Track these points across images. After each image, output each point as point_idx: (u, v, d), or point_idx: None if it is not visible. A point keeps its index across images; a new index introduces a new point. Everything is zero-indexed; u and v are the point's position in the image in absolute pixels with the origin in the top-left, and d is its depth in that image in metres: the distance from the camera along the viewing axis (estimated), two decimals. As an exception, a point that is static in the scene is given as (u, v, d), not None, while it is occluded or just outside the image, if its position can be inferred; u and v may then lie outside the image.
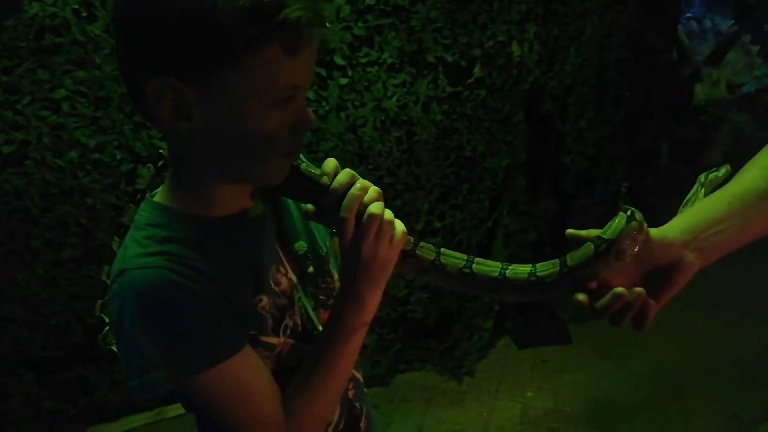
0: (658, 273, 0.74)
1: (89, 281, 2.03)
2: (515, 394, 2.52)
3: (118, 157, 2.00)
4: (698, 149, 4.32)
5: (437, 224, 2.55)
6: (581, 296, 0.73)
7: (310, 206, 0.74)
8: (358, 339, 0.77)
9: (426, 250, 0.79)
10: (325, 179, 0.73)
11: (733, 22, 5.79)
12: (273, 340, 0.75)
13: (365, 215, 0.71)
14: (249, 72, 0.63)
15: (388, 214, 0.73)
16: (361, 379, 0.92)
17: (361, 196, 0.72)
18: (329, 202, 0.72)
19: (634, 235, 0.72)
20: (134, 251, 0.69)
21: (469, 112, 2.42)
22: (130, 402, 2.19)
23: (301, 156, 0.85)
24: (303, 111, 0.69)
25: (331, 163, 0.75)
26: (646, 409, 2.45)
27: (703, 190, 0.81)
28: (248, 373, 0.71)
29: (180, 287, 0.66)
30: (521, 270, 0.76)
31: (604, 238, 0.72)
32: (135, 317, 0.66)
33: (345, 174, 0.73)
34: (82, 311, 2.08)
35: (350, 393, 0.88)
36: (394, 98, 2.28)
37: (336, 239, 0.86)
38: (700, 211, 0.78)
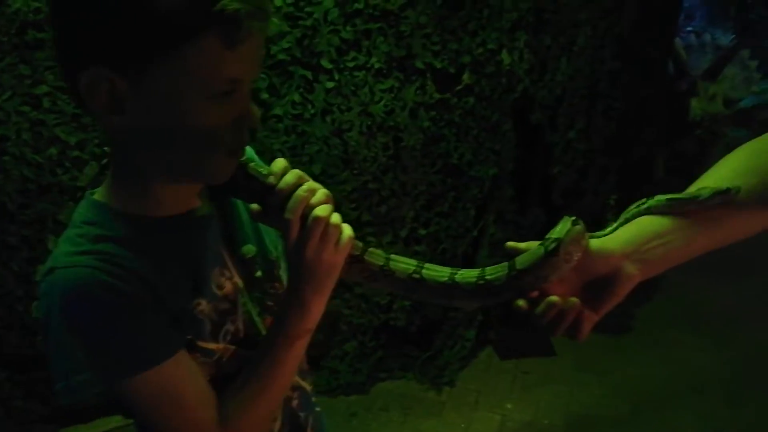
0: (597, 284, 0.73)
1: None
2: (495, 405, 2.50)
3: (98, 154, 1.99)
4: (694, 163, 4.31)
5: (422, 232, 2.53)
6: (521, 302, 0.72)
7: (255, 206, 0.73)
8: (300, 346, 0.76)
9: (375, 256, 0.77)
10: (272, 179, 0.71)
11: (733, 36, 5.79)
12: (211, 345, 0.74)
13: (310, 217, 0.70)
14: (185, 64, 0.61)
15: (336, 217, 0.72)
16: (308, 389, 0.90)
17: (308, 198, 0.70)
18: (274, 203, 0.71)
19: (579, 239, 0.72)
20: (65, 249, 0.67)
21: (457, 120, 2.41)
22: (104, 404, 2.17)
23: (254, 155, 0.83)
24: (245, 107, 0.68)
25: (279, 163, 0.73)
26: (627, 423, 2.43)
27: (638, 210, 0.79)
28: (181, 377, 0.70)
29: (109, 288, 0.64)
30: (470, 274, 0.75)
31: (552, 238, 0.71)
32: (61, 317, 0.65)
33: (292, 175, 0.72)
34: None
35: (294, 402, 0.86)
36: (381, 103, 2.27)
37: None
38: (644, 223, 0.77)
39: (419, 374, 2.65)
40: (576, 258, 0.72)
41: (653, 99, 3.10)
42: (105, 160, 0.78)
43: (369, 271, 0.77)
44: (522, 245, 0.74)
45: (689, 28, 5.73)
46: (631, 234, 0.76)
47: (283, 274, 0.85)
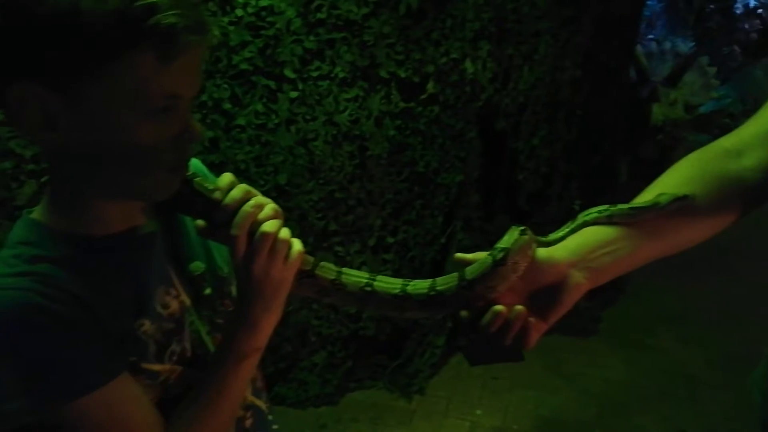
0: (546, 293, 0.75)
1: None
2: (464, 412, 2.50)
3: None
4: (657, 168, 4.41)
5: (390, 240, 2.53)
6: (465, 312, 0.73)
7: (200, 222, 0.72)
8: (250, 365, 0.75)
9: (326, 270, 0.77)
10: (218, 194, 0.70)
11: (692, 44, 5.96)
12: (156, 366, 0.72)
13: (257, 233, 0.69)
14: (118, 80, 0.60)
15: (284, 232, 0.71)
16: (264, 408, 0.89)
17: (255, 213, 0.70)
18: (221, 219, 0.70)
19: (526, 249, 0.73)
20: None
21: (423, 128, 2.42)
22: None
23: (202, 169, 0.82)
24: (186, 122, 0.67)
25: (226, 178, 0.72)
26: (595, 426, 2.46)
27: (573, 225, 0.81)
28: (124, 401, 0.68)
29: (44, 310, 0.62)
30: (422, 285, 0.76)
31: (500, 248, 0.73)
32: None
33: (239, 190, 0.71)
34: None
35: (247, 422, 0.84)
36: (346, 113, 2.27)
37: None
38: (591, 232, 0.78)
39: (389, 383, 2.65)
40: (523, 267, 0.73)
41: (615, 106, 3.16)
42: (44, 178, 0.76)
43: (320, 286, 0.77)
44: (470, 256, 0.75)
45: (650, 36, 5.88)
46: (578, 243, 0.77)
47: (235, 292, 0.84)
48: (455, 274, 0.74)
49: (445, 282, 0.75)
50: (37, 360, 0.63)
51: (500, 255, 0.72)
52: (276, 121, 2.19)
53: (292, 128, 2.22)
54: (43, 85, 0.60)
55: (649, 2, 6.06)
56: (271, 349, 2.49)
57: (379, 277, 0.77)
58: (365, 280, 0.77)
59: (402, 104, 2.35)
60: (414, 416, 2.48)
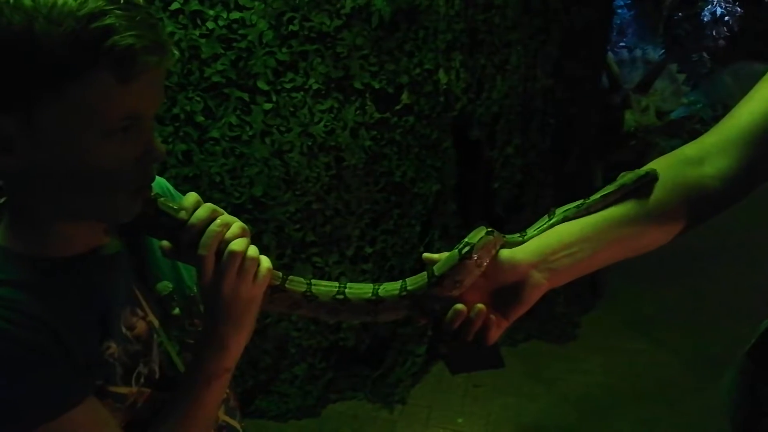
0: (506, 292, 0.78)
1: None
2: (446, 420, 2.50)
3: None
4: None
5: (368, 250, 2.53)
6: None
7: (165, 243, 0.71)
8: (220, 385, 0.74)
9: (296, 283, 0.77)
10: (183, 214, 0.70)
11: (662, 51, 6.09)
12: (123, 389, 0.71)
13: (226, 253, 0.68)
14: (76, 102, 0.59)
15: (252, 250, 0.70)
16: (238, 427, 0.88)
17: (222, 233, 0.69)
18: (186, 239, 0.69)
19: (490, 247, 0.77)
20: None
21: (398, 138, 2.43)
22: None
23: (168, 188, 0.81)
24: (148, 142, 0.66)
25: (191, 197, 0.72)
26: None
27: (551, 221, 0.83)
28: (91, 427, 0.66)
29: (5, 335, 0.61)
30: (392, 287, 0.78)
31: (465, 242, 0.76)
32: None
33: (205, 209, 0.70)
34: None
35: (220, 442, 0.83)
36: (321, 124, 2.27)
37: None
38: (552, 234, 0.81)
39: (370, 393, 2.64)
40: (485, 263, 0.76)
41: (587, 113, 3.22)
42: (2, 200, 0.74)
43: (291, 300, 0.77)
44: (436, 256, 0.78)
45: (622, 44, 6.01)
46: (540, 245, 0.80)
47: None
48: (424, 273, 0.77)
49: (415, 281, 0.77)
50: (0, 387, 0.61)
51: (466, 249, 0.75)
52: (250, 133, 2.18)
53: (267, 140, 2.21)
54: None
55: (619, 11, 6.20)
56: (251, 362, 2.46)
57: (350, 284, 0.79)
58: (336, 289, 0.78)
59: (377, 115, 2.36)
60: (396, 426, 2.47)
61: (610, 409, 2.59)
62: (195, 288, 0.83)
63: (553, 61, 2.81)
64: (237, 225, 0.71)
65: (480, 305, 0.75)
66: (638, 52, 5.44)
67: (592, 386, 2.72)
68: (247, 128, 2.17)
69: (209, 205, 0.71)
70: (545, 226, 0.83)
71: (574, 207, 0.83)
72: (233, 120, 2.15)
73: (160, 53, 0.62)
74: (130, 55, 0.59)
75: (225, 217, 0.71)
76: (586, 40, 3.04)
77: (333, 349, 2.57)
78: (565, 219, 0.83)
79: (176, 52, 0.69)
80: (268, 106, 2.18)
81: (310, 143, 2.27)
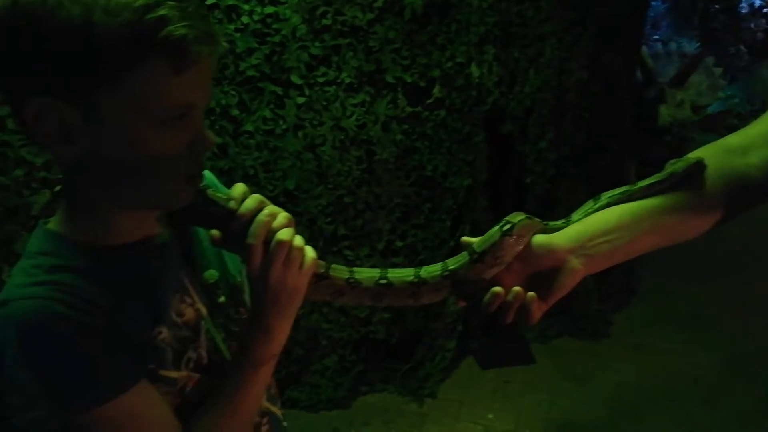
0: (544, 277, 0.78)
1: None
2: (476, 416, 2.50)
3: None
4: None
5: (399, 244, 2.53)
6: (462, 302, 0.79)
7: (215, 232, 0.72)
8: (266, 371, 0.75)
9: (339, 271, 0.78)
10: (232, 204, 0.71)
11: (698, 44, 5.94)
12: (173, 374, 0.73)
13: (273, 242, 0.69)
14: (133, 91, 0.61)
15: (298, 240, 0.72)
16: (279, 414, 0.89)
17: (270, 222, 0.70)
18: (235, 228, 0.70)
19: (529, 228, 0.78)
20: (19, 281, 0.66)
21: (430, 132, 2.42)
22: None
23: (213, 180, 0.83)
24: (199, 131, 0.67)
25: (239, 188, 0.73)
26: (607, 430, 2.44)
27: (597, 205, 0.83)
28: (145, 408, 0.68)
29: (65, 319, 0.63)
30: (434, 268, 0.79)
31: (506, 220, 0.78)
32: (15, 351, 0.63)
33: (253, 199, 0.72)
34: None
35: (264, 429, 0.85)
36: (353, 118, 2.28)
37: None
38: (591, 221, 0.81)
39: (400, 387, 2.64)
40: (522, 242, 0.78)
41: (621, 107, 3.16)
42: (57, 188, 0.77)
43: (335, 287, 0.78)
44: (473, 239, 0.80)
45: (656, 37, 5.87)
46: (578, 231, 0.80)
47: (248, 299, 0.85)
48: (465, 253, 0.78)
49: (457, 261, 0.78)
50: (59, 368, 0.63)
51: (507, 226, 0.77)
52: (284, 127, 2.20)
53: (300, 134, 2.23)
54: (59, 98, 0.60)
55: (653, 3, 6.06)
56: (283, 352, 2.50)
57: (390, 270, 0.80)
58: (379, 274, 0.79)
59: (408, 109, 2.35)
60: (426, 420, 2.48)
61: (643, 407, 2.55)
62: (239, 277, 0.84)
63: (588, 53, 2.76)
64: (283, 215, 0.72)
65: (517, 288, 0.76)
66: (673, 46, 5.32)
67: (624, 384, 2.68)
68: (281, 122, 2.20)
69: (257, 195, 0.72)
70: (591, 210, 0.82)
71: (619, 193, 0.82)
72: (267, 114, 2.17)
73: (211, 43, 0.63)
74: (183, 45, 0.60)
75: (272, 207, 0.72)
76: (622, 32, 2.98)
77: (363, 342, 2.58)
78: (609, 205, 0.82)
79: (225, 44, 0.70)
80: (301, 100, 2.19)
81: (342, 137, 2.28)
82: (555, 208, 2.90)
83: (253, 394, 0.75)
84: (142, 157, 0.64)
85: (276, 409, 0.89)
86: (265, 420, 0.85)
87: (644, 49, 4.39)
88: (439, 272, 0.78)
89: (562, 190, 2.90)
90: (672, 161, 0.82)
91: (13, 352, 0.63)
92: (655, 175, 0.82)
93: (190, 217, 0.75)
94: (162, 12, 0.59)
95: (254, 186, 2.32)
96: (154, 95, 0.62)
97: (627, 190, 0.82)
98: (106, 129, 0.62)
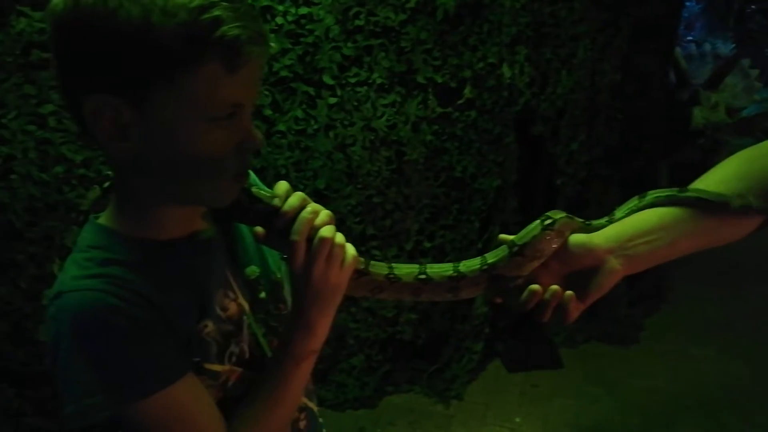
0: (581, 277, 0.78)
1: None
2: (503, 419, 2.48)
3: (104, 172, 2.00)
4: (698, 172, 4.30)
5: (427, 244, 2.53)
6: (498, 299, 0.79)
7: (259, 229, 0.73)
8: (306, 367, 0.76)
9: (378, 267, 0.79)
10: (277, 201, 0.72)
11: (733, 45, 5.81)
12: (217, 367, 0.74)
13: (316, 238, 0.70)
14: (186, 90, 0.62)
15: (340, 237, 0.73)
16: (315, 410, 0.90)
17: (313, 219, 0.71)
18: (280, 225, 0.71)
19: (568, 226, 0.78)
20: (73, 273, 0.67)
21: (460, 133, 2.42)
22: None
23: (256, 179, 0.84)
24: (248, 131, 0.68)
25: (283, 185, 0.74)
26: (637, 437, 2.40)
27: (641, 204, 0.82)
28: (190, 400, 0.70)
29: (118, 311, 0.65)
30: (472, 262, 0.79)
31: (548, 215, 0.78)
32: (71, 341, 0.65)
33: (297, 197, 0.73)
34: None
35: (301, 423, 0.86)
36: (384, 118, 2.28)
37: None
38: (631, 221, 0.80)
39: (427, 388, 2.64)
40: (561, 240, 0.78)
41: (654, 109, 3.10)
42: (107, 184, 0.78)
43: (375, 283, 0.79)
44: (511, 236, 0.80)
45: (689, 38, 5.76)
46: (617, 231, 0.79)
47: (287, 296, 0.86)
48: (504, 246, 0.78)
49: (496, 254, 0.78)
50: (113, 358, 0.65)
51: (548, 221, 0.77)
52: (315, 127, 2.22)
53: (331, 134, 2.24)
54: (116, 96, 0.62)
55: (687, 3, 5.94)
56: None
57: (429, 265, 0.80)
58: (417, 269, 0.79)
59: (439, 109, 2.35)
60: (452, 422, 2.47)
61: (675, 416, 2.50)
62: (278, 273, 0.85)
63: (621, 54, 2.72)
64: (325, 213, 0.73)
65: (555, 286, 0.76)
66: (707, 47, 5.20)
67: (655, 392, 2.63)
68: (312, 122, 2.21)
69: (300, 193, 0.73)
70: (635, 207, 0.81)
71: (665, 195, 0.81)
72: (299, 114, 2.19)
73: (262, 44, 0.64)
74: (237, 45, 0.61)
75: (314, 205, 0.73)
76: (656, 33, 2.93)
77: (390, 342, 2.58)
78: (653, 204, 0.81)
79: (273, 45, 0.71)
80: (332, 100, 2.21)
81: (372, 137, 2.29)
82: (585, 210, 2.86)
83: (293, 389, 0.76)
84: (192, 154, 0.65)
85: (313, 405, 0.90)
86: (303, 415, 0.86)
87: (678, 50, 4.30)
88: (478, 266, 0.78)
89: (593, 192, 2.86)
90: (736, 196, 0.78)
91: (67, 342, 0.65)
92: (709, 192, 0.79)
93: (235, 214, 0.76)
94: (216, 13, 0.60)
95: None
96: (206, 94, 0.63)
97: (674, 195, 0.80)
98: (159, 127, 0.64)
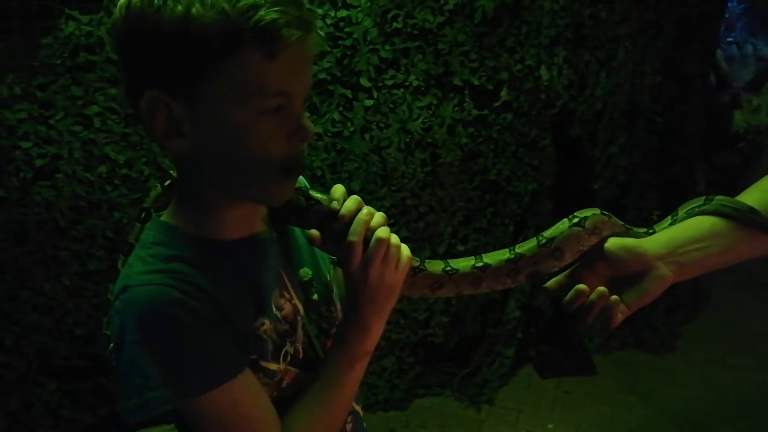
0: (630, 281, 0.77)
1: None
2: (535, 425, 2.45)
3: (146, 172, 2.04)
4: (737, 177, 4.19)
5: (460, 247, 2.52)
6: (552, 283, 0.79)
7: (315, 231, 0.74)
8: (360, 368, 0.76)
9: (433, 264, 0.80)
10: (335, 204, 0.73)
11: (776, 47, 5.63)
12: (272, 366, 0.74)
13: (373, 240, 0.71)
14: (230, 80, 0.63)
15: (395, 238, 0.73)
16: (360, 413, 0.90)
17: (369, 221, 0.72)
18: (337, 228, 0.72)
19: (602, 225, 0.79)
20: (138, 268, 0.69)
21: (495, 136, 2.40)
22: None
23: (304, 182, 0.85)
24: (298, 120, 0.68)
25: (339, 189, 0.75)
26: (673, 448, 2.35)
27: (705, 206, 0.81)
28: (248, 396, 0.70)
29: (182, 305, 0.66)
30: (529, 242, 0.80)
31: (575, 215, 0.79)
32: (136, 334, 0.66)
33: (353, 200, 0.73)
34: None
35: (348, 426, 0.86)
36: (419, 120, 2.28)
37: (339, 268, 0.85)
38: (682, 227, 0.79)
39: (458, 391, 2.63)
40: (596, 238, 0.78)
41: (694, 112, 3.03)
42: (168, 182, 0.80)
43: (433, 278, 0.79)
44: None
45: (730, 39, 5.61)
46: (669, 237, 0.78)
47: (337, 298, 0.86)
48: (565, 220, 0.79)
49: (554, 230, 0.79)
50: (177, 352, 0.66)
51: (575, 219, 0.78)
52: (351, 129, 2.23)
53: (367, 136, 2.25)
54: (166, 92, 0.63)
55: (728, 3, 5.79)
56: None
57: (484, 255, 0.80)
58: (474, 260, 0.79)
59: (475, 112, 2.34)
60: (483, 426, 2.45)
61: (712, 426, 2.44)
62: (329, 275, 0.86)
63: (663, 56, 2.67)
64: (380, 215, 0.73)
65: (602, 288, 0.75)
66: (749, 48, 5.06)
67: (692, 401, 2.57)
68: (349, 124, 2.22)
69: (355, 197, 0.74)
70: (697, 210, 0.80)
71: (730, 207, 0.79)
72: (336, 116, 2.20)
73: (303, 28, 0.64)
74: (274, 29, 0.61)
75: (369, 207, 0.73)
76: (698, 34, 2.86)
77: (421, 345, 2.58)
78: (716, 212, 0.79)
79: (320, 33, 0.71)
80: (369, 102, 2.21)
81: (407, 139, 2.29)
82: (622, 216, 2.81)
83: (347, 390, 0.76)
84: (243, 149, 0.66)
85: (359, 409, 0.90)
86: (350, 418, 0.86)
87: (718, 52, 4.20)
88: (536, 243, 0.78)
89: (631, 197, 2.81)
90: None
91: (132, 335, 0.66)
92: (753, 202, 0.78)
93: (292, 215, 0.77)
94: None
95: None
96: (249, 83, 0.63)
97: (737, 209, 0.78)
98: (209, 120, 0.65)
